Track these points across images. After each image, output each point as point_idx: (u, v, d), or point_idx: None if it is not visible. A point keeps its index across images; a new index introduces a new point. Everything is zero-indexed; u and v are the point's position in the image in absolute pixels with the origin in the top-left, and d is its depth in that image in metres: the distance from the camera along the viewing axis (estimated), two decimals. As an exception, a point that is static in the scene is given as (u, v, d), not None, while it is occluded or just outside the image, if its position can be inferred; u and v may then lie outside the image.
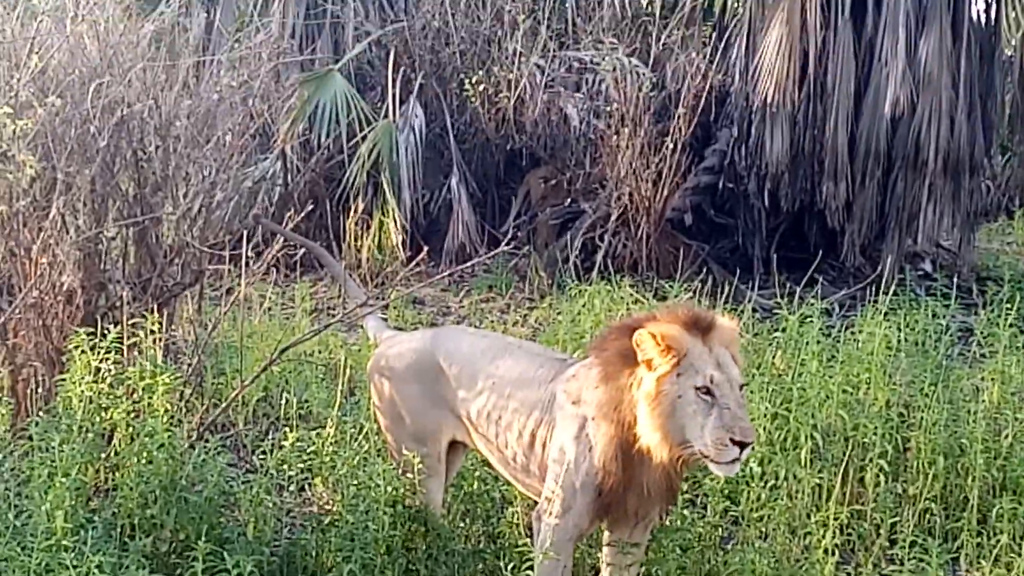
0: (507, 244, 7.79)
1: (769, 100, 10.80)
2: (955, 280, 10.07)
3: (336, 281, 6.13)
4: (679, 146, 10.87)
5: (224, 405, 6.28)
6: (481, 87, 11.96)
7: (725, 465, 4.09)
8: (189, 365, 6.24)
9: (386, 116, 11.83)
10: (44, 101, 6.13)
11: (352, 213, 11.27)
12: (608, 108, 11.54)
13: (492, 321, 9.58)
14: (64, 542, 4.37)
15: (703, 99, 11.10)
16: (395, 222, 11.37)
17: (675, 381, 4.13)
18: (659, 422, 4.14)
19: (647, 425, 4.17)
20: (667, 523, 4.98)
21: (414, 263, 6.89)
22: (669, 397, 4.13)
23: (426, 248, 7.54)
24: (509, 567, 4.47)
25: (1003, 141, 14.16)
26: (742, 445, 4.05)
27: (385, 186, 11.44)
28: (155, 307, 6.37)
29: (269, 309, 9.06)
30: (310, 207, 7.65)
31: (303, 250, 9.76)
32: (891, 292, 8.33)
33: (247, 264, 6.34)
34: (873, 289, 9.46)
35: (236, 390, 6.28)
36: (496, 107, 12.12)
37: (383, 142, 11.58)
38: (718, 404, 4.07)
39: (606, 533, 4.66)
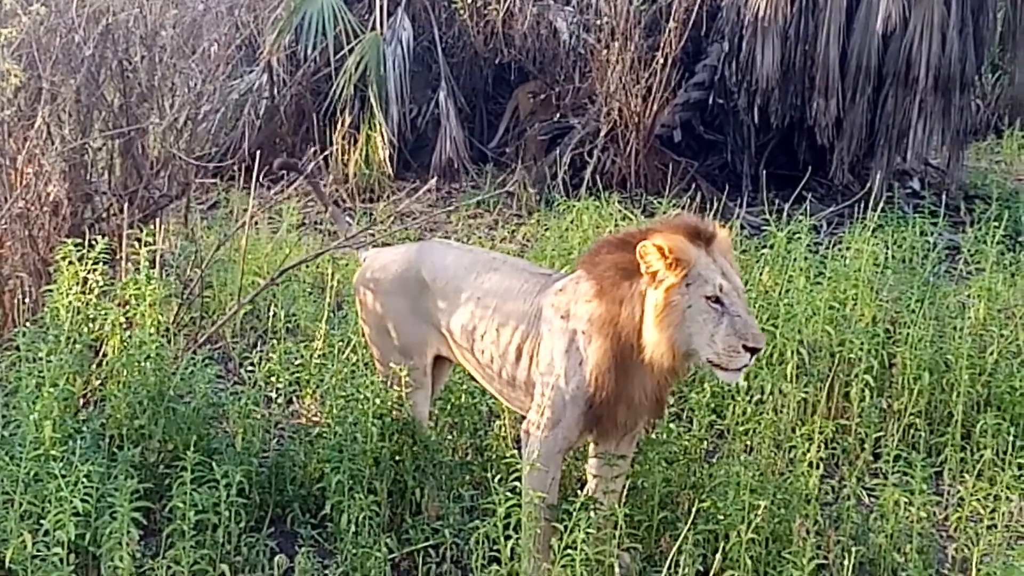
0: (495, 159, 7.75)
1: (760, 14, 10.71)
2: (943, 198, 10.09)
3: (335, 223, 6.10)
4: (669, 61, 10.79)
5: (222, 321, 6.28)
6: (470, -1, 11.85)
7: (734, 372, 4.14)
8: (178, 277, 6.23)
9: (373, 28, 11.71)
10: (28, 9, 6.05)
11: (339, 127, 11.19)
12: (598, 22, 11.43)
13: (480, 237, 9.56)
14: (52, 452, 4.40)
15: (694, 13, 10.98)
16: (382, 136, 11.30)
17: (684, 291, 4.15)
18: (668, 332, 4.16)
19: (653, 335, 4.19)
20: (653, 436, 5.02)
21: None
22: (679, 308, 4.15)
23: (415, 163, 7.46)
24: (496, 479, 4.50)
25: (994, 59, 14.07)
26: (753, 351, 4.09)
27: (372, 100, 11.35)
28: (142, 219, 6.35)
29: (256, 223, 9.03)
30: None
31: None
32: (879, 209, 8.35)
33: (243, 179, 6.30)
34: (861, 206, 9.45)
35: (228, 304, 6.28)
36: (485, 20, 12.00)
37: (370, 55, 11.47)
38: (728, 312, 4.11)
39: (592, 446, 4.69)
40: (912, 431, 5.92)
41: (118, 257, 5.79)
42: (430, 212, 10.18)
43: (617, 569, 4.36)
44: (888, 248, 7.55)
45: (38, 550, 4.11)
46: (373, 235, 7.52)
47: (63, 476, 4.17)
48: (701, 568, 4.37)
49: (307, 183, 6.36)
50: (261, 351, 6.01)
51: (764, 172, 10.79)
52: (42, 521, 4.15)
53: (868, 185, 10.81)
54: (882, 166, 10.92)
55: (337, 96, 11.46)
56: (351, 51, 11.46)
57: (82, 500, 4.14)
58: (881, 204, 8.82)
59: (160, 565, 4.23)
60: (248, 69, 11.93)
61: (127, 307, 5.39)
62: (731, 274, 4.22)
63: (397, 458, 4.99)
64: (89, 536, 4.28)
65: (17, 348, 5.08)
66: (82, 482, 4.17)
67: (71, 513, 4.10)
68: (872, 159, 11.08)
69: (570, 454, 5.11)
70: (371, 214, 10.23)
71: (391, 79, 11.54)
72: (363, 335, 5.44)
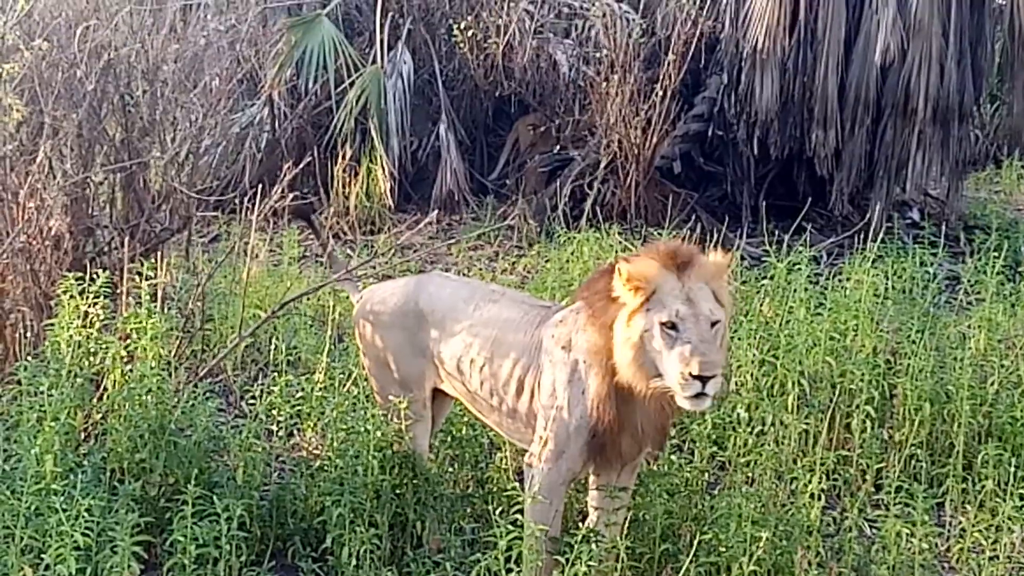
0: (495, 191, 7.77)
1: (759, 47, 10.75)
2: (943, 228, 10.09)
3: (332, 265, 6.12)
4: (668, 93, 10.81)
5: (223, 354, 6.29)
6: (470, 33, 11.86)
7: (691, 399, 4.10)
8: (180, 311, 6.23)
9: (374, 62, 11.75)
10: (31, 44, 6.08)
11: (340, 160, 11.21)
12: (597, 54, 11.46)
13: (481, 269, 9.58)
14: (54, 486, 4.39)
15: (693, 45, 11.02)
16: (383, 169, 11.32)
17: (644, 316, 4.18)
18: (630, 356, 4.21)
19: (621, 360, 4.24)
20: (655, 468, 5.02)
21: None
22: (638, 332, 4.18)
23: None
24: (498, 511, 4.50)
25: (992, 89, 14.09)
26: (702, 379, 4.05)
27: (373, 133, 11.38)
28: (143, 252, 6.36)
29: (257, 256, 9.04)
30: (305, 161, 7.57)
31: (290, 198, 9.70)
32: (879, 240, 8.37)
33: (245, 213, 6.31)
34: (861, 237, 9.46)
35: (228, 337, 6.28)
36: (485, 53, 12.03)
37: (371, 88, 11.51)
38: (680, 339, 4.10)
39: (593, 478, 4.69)
40: (913, 462, 5.91)
41: (119, 291, 5.80)
42: (431, 244, 10.19)
43: (619, 602, 4.36)
44: (888, 279, 7.56)
45: (39, 584, 4.11)
46: (374, 267, 7.56)
47: (64, 510, 4.17)
48: (703, 600, 4.37)
49: (308, 227, 6.36)
50: (262, 384, 6.01)
51: (764, 203, 10.81)
52: (43, 555, 4.15)
53: (868, 216, 10.83)
54: (881, 197, 10.95)
55: (338, 129, 11.49)
56: (352, 84, 11.50)
57: (83, 534, 4.14)
58: (881, 235, 8.85)
59: (161, 599, 4.22)
60: (249, 103, 11.96)
61: (128, 341, 5.40)
62: (699, 301, 4.19)
63: (398, 491, 4.99)
64: (90, 570, 4.28)
65: (18, 382, 5.07)
66: (83, 516, 4.18)
67: (72, 547, 4.10)
68: (871, 190, 11.10)
69: (572, 486, 5.12)
70: (372, 246, 10.24)
71: (392, 112, 11.58)
72: (363, 368, 5.45)
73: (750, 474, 5.47)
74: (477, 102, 12.62)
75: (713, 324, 4.17)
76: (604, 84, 11.03)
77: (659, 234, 9.33)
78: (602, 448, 4.43)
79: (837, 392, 6.09)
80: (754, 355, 6.22)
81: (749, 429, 5.56)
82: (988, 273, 7.23)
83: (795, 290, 7.11)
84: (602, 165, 11.08)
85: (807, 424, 5.84)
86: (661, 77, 10.81)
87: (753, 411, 5.81)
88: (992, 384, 6.25)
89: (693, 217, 10.96)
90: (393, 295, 5.22)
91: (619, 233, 9.71)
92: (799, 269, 7.24)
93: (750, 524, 4.47)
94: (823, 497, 5.09)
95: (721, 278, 4.33)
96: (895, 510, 4.94)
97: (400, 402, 4.93)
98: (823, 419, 5.90)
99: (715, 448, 5.59)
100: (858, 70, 10.74)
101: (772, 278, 7.58)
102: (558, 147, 12.06)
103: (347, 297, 7.44)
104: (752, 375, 6.19)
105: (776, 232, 9.37)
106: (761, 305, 7.36)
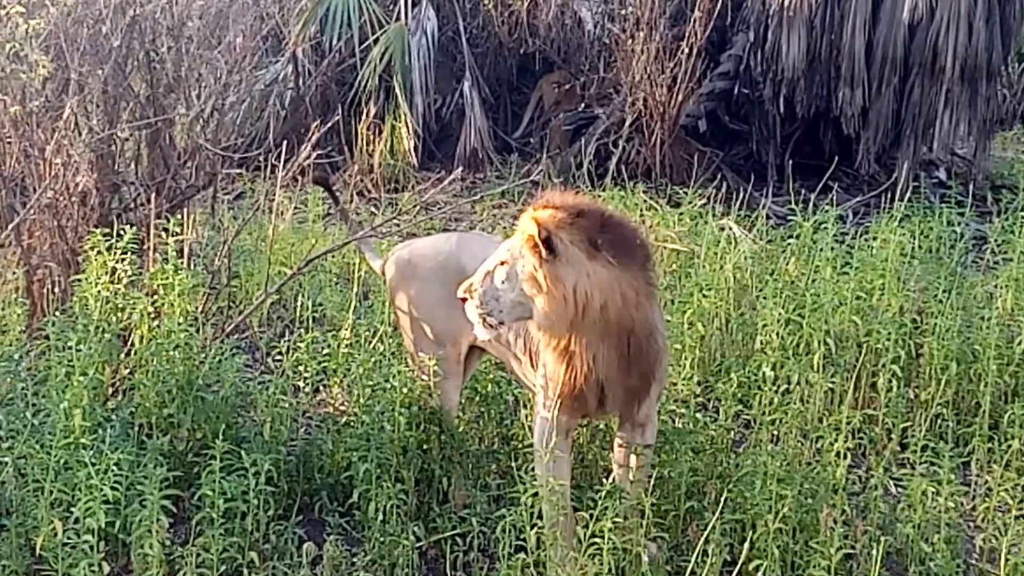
0: (519, 149, 7.74)
1: (786, 4, 10.69)
2: (970, 188, 10.05)
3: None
4: (694, 51, 10.75)
5: (249, 311, 6.31)
6: (494, -11, 11.84)
7: None
8: (206, 267, 6.25)
9: (398, 19, 11.72)
10: (56, 1, 6.08)
11: (364, 117, 11.20)
12: (623, 11, 11.41)
13: (504, 227, 9.55)
14: (82, 440, 4.43)
15: (719, 3, 10.94)
16: (407, 127, 11.31)
17: None
18: None
19: None
20: (680, 426, 5.02)
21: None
22: None
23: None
24: (522, 468, 4.52)
25: (1020, 48, 13.97)
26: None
27: (397, 90, 11.37)
28: (169, 209, 6.38)
29: (282, 213, 9.05)
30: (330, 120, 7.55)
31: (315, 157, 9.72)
32: (906, 199, 8.31)
33: (270, 171, 6.31)
34: (888, 196, 9.42)
35: (254, 294, 6.30)
36: (509, 10, 12.00)
37: (395, 45, 11.48)
38: None
39: (617, 436, 4.68)
40: (939, 421, 5.89)
41: (146, 247, 5.82)
42: (455, 202, 10.17)
43: (644, 558, 4.36)
44: (915, 238, 7.52)
45: (68, 538, 4.15)
46: (398, 225, 7.56)
47: (93, 464, 4.20)
48: (728, 558, 4.36)
49: (327, 194, 6.35)
50: (288, 340, 6.02)
51: (790, 162, 10.76)
52: (72, 509, 4.18)
53: (894, 175, 10.79)
54: (908, 156, 10.88)
55: (362, 87, 11.48)
56: (376, 42, 11.48)
57: (112, 488, 4.16)
58: (908, 194, 8.79)
59: (189, 552, 4.24)
60: (273, 60, 11.95)
61: (155, 296, 5.42)
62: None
63: (424, 447, 5.00)
64: (119, 524, 4.31)
65: (47, 337, 5.10)
66: (112, 470, 4.20)
67: (101, 501, 4.13)
68: (898, 149, 11.04)
69: (595, 443, 5.13)
70: (396, 204, 10.24)
71: (416, 69, 11.56)
72: (394, 324, 5.45)
73: (775, 433, 5.46)
74: (501, 59, 12.58)
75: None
76: (629, 41, 10.98)
77: (684, 192, 9.30)
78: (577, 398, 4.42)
79: (863, 351, 6.07)
80: (780, 314, 6.20)
81: (775, 388, 5.54)
82: (1015, 232, 7.18)
83: (821, 249, 7.08)
84: (627, 123, 11.05)
85: (833, 383, 5.83)
86: (687, 34, 10.75)
87: (779, 370, 5.79)
88: (1019, 343, 6.21)
89: (718, 176, 10.93)
90: (433, 250, 5.20)
91: (644, 191, 9.68)
92: (825, 228, 7.21)
93: (775, 482, 4.46)
94: (849, 456, 5.07)
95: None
96: (921, 469, 4.93)
97: (430, 359, 4.94)
98: (849, 378, 5.89)
99: (740, 406, 5.58)
100: (886, 28, 10.66)
101: (798, 237, 7.56)
102: (583, 105, 12.02)
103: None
104: (778, 334, 6.17)
105: (802, 191, 9.32)
106: (787, 264, 7.35)
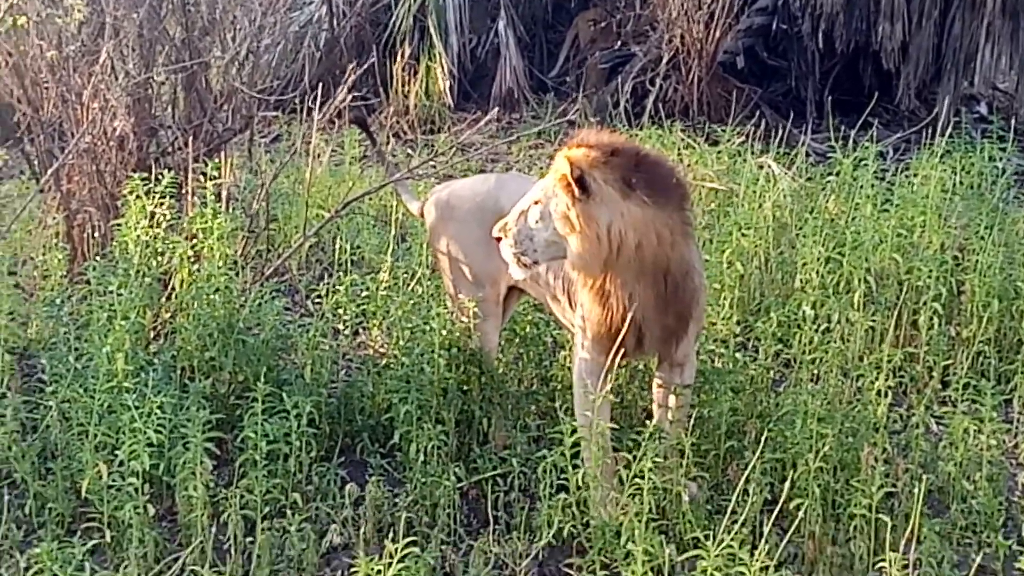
0: (555, 89, 7.69)
1: (825, -64, 10.53)
2: (1012, 123, 9.89)
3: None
4: (732, -14, 10.64)
5: (288, 254, 6.32)
6: (529, -75, 11.73)
7: None
8: (244, 211, 6.27)
9: (432, -42, 11.64)
10: (91, -56, 6.08)
11: (399, 58, 11.15)
12: (659, -53, 11.27)
13: (541, 167, 9.52)
14: (125, 384, 4.46)
15: (756, -63, 10.81)
16: (442, 67, 11.26)
17: None
18: None
19: None
20: (719, 365, 5.01)
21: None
22: None
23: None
24: (562, 409, 4.52)
25: (1065, -21, 13.75)
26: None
27: (432, 30, 11.31)
28: (206, 153, 6.39)
29: (318, 156, 9.05)
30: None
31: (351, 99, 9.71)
32: (946, 135, 8.20)
33: (306, 113, 6.30)
34: (928, 132, 9.29)
35: (293, 237, 6.31)
36: (544, -54, 11.89)
37: (429, -15, 11.42)
38: None
39: (656, 376, 4.68)
40: (981, 359, 5.85)
41: (184, 191, 5.84)
42: (491, 143, 10.14)
43: (684, 498, 4.38)
44: (956, 174, 7.44)
45: (113, 480, 4.19)
46: (435, 166, 7.54)
47: (136, 408, 4.24)
48: (769, 497, 4.36)
49: (365, 134, 6.33)
50: (327, 283, 6.04)
51: (829, 98, 10.64)
52: (116, 452, 4.22)
53: (935, 110, 10.64)
54: (949, 91, 10.72)
55: (397, 27, 11.42)
56: (410, -19, 11.41)
57: (155, 431, 4.20)
58: (948, 129, 8.68)
59: (233, 494, 4.28)
60: (307, 1, 11.90)
61: (195, 240, 5.45)
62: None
63: (464, 388, 5.02)
64: (163, 466, 4.36)
65: (88, 282, 5.14)
66: (155, 413, 4.24)
67: (145, 444, 4.17)
68: (939, 84, 10.88)
69: (635, 384, 5.13)
70: (432, 145, 10.22)
71: (450, 9, 11.49)
72: (433, 265, 5.45)
73: (816, 371, 5.44)
74: (536, -3, 12.48)
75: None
76: (665, -23, 10.85)
77: (722, 130, 9.23)
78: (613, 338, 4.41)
79: (904, 289, 6.04)
80: (820, 252, 6.16)
81: (815, 326, 5.51)
82: (1059, 168, 7.10)
83: (861, 186, 7.02)
84: (664, 60, 10.95)
85: (873, 321, 5.80)
86: (724, -31, 10.61)
87: (819, 308, 5.77)
88: (1063, 280, 6.16)
89: (757, 113, 10.82)
90: (471, 191, 5.18)
91: (681, 130, 9.62)
92: (865, 165, 7.14)
93: (816, 421, 4.45)
94: (889, 394, 5.05)
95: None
96: (962, 407, 4.91)
97: (469, 300, 4.94)
98: (890, 316, 5.85)
99: (780, 346, 5.56)
100: (926, -40, 10.49)
101: (838, 174, 7.49)
102: (619, 43, 11.91)
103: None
104: (818, 272, 6.14)
105: (842, 128, 9.22)
106: (827, 202, 7.29)
